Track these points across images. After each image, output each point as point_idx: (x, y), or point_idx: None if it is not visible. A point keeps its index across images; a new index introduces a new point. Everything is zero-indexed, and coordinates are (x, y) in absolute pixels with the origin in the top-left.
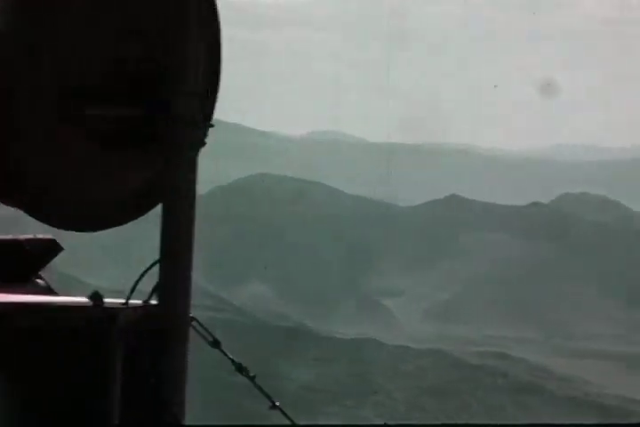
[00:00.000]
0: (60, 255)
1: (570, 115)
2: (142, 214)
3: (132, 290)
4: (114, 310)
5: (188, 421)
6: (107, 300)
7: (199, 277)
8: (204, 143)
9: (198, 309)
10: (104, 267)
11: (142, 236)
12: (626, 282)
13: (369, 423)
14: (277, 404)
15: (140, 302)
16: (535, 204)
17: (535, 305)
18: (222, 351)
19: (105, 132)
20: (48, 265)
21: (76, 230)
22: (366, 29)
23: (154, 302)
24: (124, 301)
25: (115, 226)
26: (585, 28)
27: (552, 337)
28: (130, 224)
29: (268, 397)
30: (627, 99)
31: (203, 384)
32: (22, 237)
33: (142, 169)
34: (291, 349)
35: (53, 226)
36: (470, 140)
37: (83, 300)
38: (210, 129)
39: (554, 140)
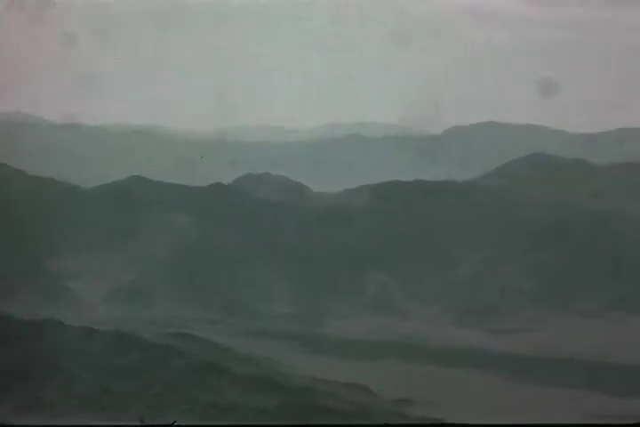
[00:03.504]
0: None
1: (256, 96)
2: None
3: None
4: None
5: None
6: None
7: None
8: None
9: None
10: None
11: None
12: (306, 262)
13: (367, 423)
14: None
15: None
16: (217, 184)
17: (216, 285)
18: None
19: None
20: None
21: None
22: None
23: None
24: None
25: None
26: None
27: (234, 317)
28: None
29: None
30: (315, 82)
31: None
32: None
33: None
34: None
35: None
36: (156, 120)
37: None
38: None
39: (237, 122)
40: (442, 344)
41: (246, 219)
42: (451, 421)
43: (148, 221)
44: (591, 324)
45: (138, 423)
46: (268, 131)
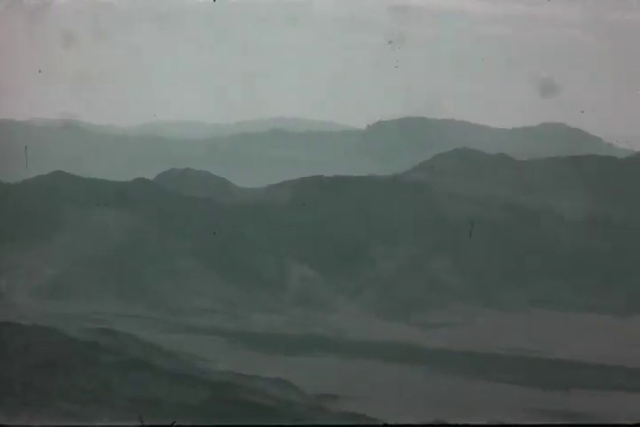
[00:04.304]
0: None
1: (178, 92)
2: None
3: None
4: None
5: None
6: None
7: None
8: None
9: None
10: None
11: None
12: (230, 257)
13: (368, 424)
14: None
15: None
16: (140, 180)
17: (140, 281)
18: None
19: None
20: None
21: None
22: None
23: None
24: None
25: None
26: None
27: (159, 313)
28: None
29: None
30: (236, 77)
31: None
32: None
33: None
34: None
35: None
36: (79, 116)
37: None
38: None
39: (159, 117)
40: (367, 339)
41: (170, 214)
42: (374, 416)
43: (71, 217)
44: (519, 319)
45: (138, 424)
46: (190, 126)
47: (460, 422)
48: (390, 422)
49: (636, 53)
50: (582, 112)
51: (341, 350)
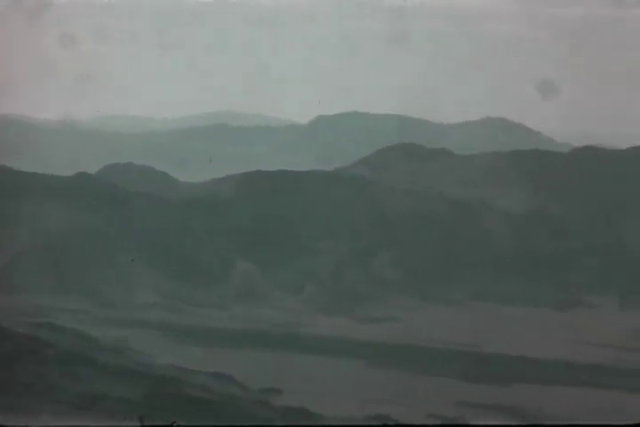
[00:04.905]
0: None
1: (121, 85)
2: None
3: None
4: None
5: None
6: None
7: None
8: None
9: None
10: None
11: None
12: (171, 251)
13: (369, 424)
14: None
15: None
16: (82, 174)
17: (82, 275)
18: None
19: None
20: None
21: None
22: None
23: None
24: None
25: None
26: None
27: (100, 307)
28: None
29: None
30: (179, 72)
31: None
32: None
33: None
34: None
35: None
36: (23, 110)
37: None
38: None
39: (103, 111)
40: (309, 333)
41: (112, 208)
42: (317, 411)
43: (13, 211)
44: (459, 313)
45: (138, 424)
46: (132, 120)
47: (402, 419)
48: (330, 415)
49: (577, 46)
50: (524, 107)
51: (283, 344)
